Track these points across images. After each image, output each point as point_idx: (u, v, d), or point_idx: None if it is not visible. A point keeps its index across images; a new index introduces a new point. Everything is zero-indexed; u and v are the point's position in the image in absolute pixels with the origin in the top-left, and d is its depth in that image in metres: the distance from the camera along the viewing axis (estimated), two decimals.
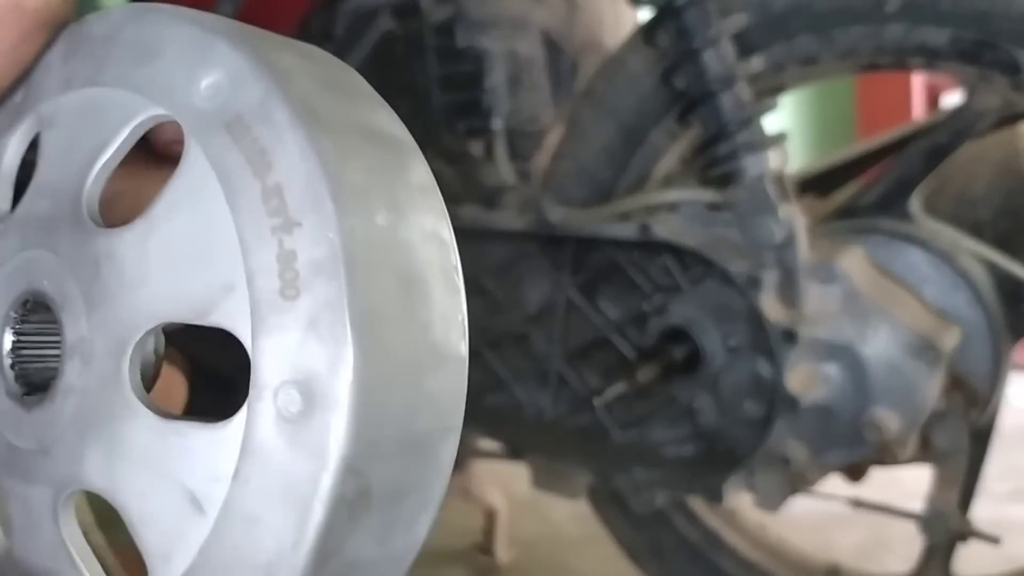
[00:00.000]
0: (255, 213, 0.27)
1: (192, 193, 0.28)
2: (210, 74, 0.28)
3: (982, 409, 1.13)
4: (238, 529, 0.26)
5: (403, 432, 0.27)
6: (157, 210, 0.29)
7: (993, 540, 1.11)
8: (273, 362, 0.26)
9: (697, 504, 1.31)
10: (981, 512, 1.15)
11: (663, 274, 1.15)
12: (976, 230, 1.13)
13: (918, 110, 3.20)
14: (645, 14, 1.18)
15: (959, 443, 1.10)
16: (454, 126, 1.33)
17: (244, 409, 0.27)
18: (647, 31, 1.15)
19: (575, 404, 1.22)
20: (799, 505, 1.18)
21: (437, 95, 1.33)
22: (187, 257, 0.28)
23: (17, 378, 0.32)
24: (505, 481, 1.69)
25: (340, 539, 0.26)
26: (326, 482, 0.25)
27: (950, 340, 1.07)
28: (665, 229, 1.10)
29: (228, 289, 0.27)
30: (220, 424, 0.27)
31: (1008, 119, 1.11)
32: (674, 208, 1.13)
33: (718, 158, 1.08)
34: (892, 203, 1.12)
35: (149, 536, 0.28)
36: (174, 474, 0.28)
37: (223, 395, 0.33)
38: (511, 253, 1.24)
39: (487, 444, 1.37)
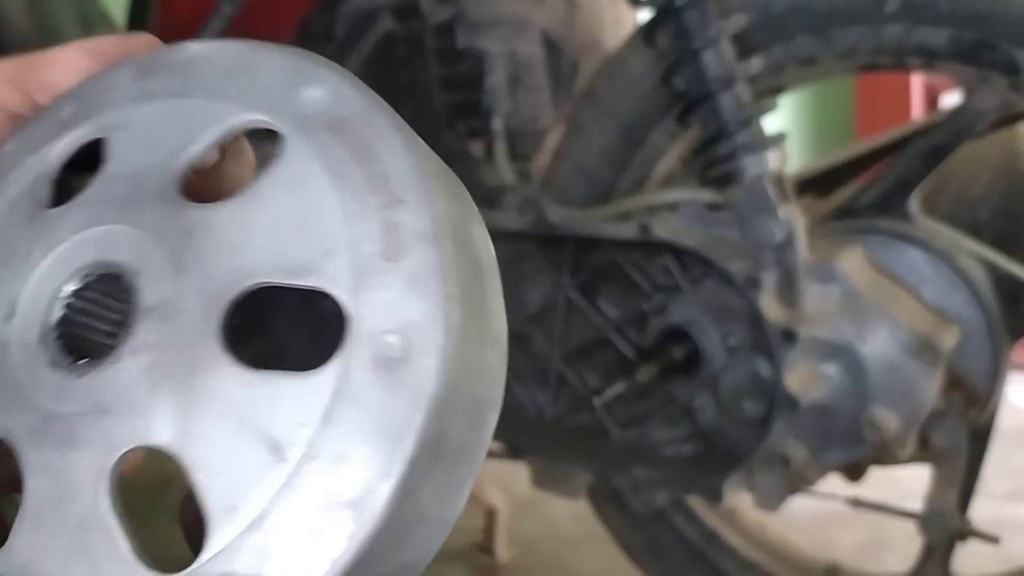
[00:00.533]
0: (360, 192, 0.31)
1: (294, 177, 0.32)
2: (311, 88, 0.33)
3: (981, 409, 1.13)
4: (323, 469, 0.28)
5: (471, 393, 0.30)
6: (255, 190, 0.33)
7: (992, 540, 1.12)
8: (374, 313, 0.29)
9: (697, 504, 1.31)
10: (980, 512, 1.15)
11: (663, 274, 1.16)
12: (975, 230, 1.14)
13: (917, 110, 3.20)
14: (645, 15, 1.18)
15: (958, 443, 1.11)
16: (454, 126, 1.33)
17: (335, 359, 0.29)
18: (647, 31, 1.15)
19: (575, 404, 1.22)
20: (799, 505, 1.18)
21: (437, 96, 1.34)
22: (286, 228, 0.31)
23: (63, 348, 0.33)
24: (505, 480, 1.69)
25: (419, 481, 0.28)
26: (418, 419, 0.28)
27: (949, 340, 1.07)
28: (665, 229, 1.11)
29: (328, 255, 0.30)
30: (309, 373, 0.29)
31: (1007, 119, 1.11)
32: (674, 208, 1.13)
33: (718, 158, 1.08)
34: (891, 203, 1.12)
35: (218, 486, 0.29)
36: (257, 422, 0.29)
37: None
38: (511, 253, 1.24)
39: None
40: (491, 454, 1.37)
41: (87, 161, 0.37)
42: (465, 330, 0.29)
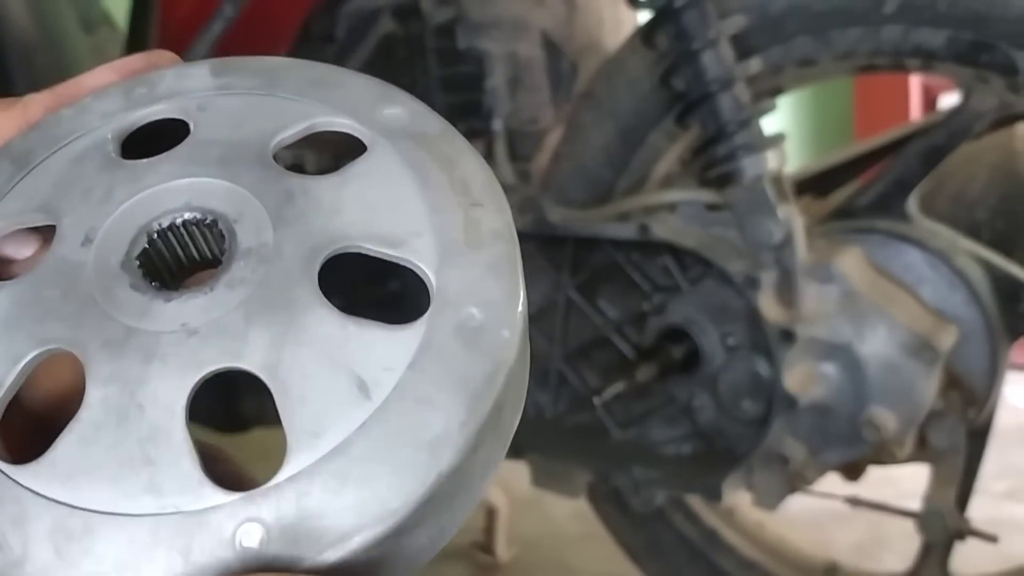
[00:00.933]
0: (443, 191, 0.35)
1: (381, 171, 0.35)
2: (392, 107, 0.37)
3: (979, 408, 1.14)
4: (407, 409, 0.31)
5: (524, 372, 0.35)
6: (349, 172, 0.35)
7: (991, 539, 1.12)
8: (458, 288, 0.33)
9: (696, 502, 1.31)
10: (978, 511, 1.15)
11: (662, 274, 1.16)
12: (973, 230, 1.14)
13: (915, 111, 3.20)
14: (644, 16, 1.19)
15: (956, 442, 1.11)
16: (455, 127, 1.34)
17: (423, 319, 0.32)
18: (646, 33, 1.15)
19: (575, 403, 1.22)
20: (797, 503, 1.19)
21: (438, 96, 1.34)
22: (378, 208, 0.35)
23: (146, 275, 0.35)
24: (505, 480, 1.70)
25: (482, 440, 0.31)
26: (498, 379, 0.31)
27: (947, 340, 1.07)
28: (664, 229, 1.11)
29: (416, 234, 0.34)
30: (398, 327, 0.32)
31: (1005, 120, 1.11)
32: (673, 208, 1.14)
33: (717, 159, 1.08)
34: (890, 203, 1.12)
35: (303, 413, 0.31)
36: (347, 361, 0.31)
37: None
38: None
39: None
40: None
41: (155, 144, 0.38)
42: (525, 314, 0.34)
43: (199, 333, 0.32)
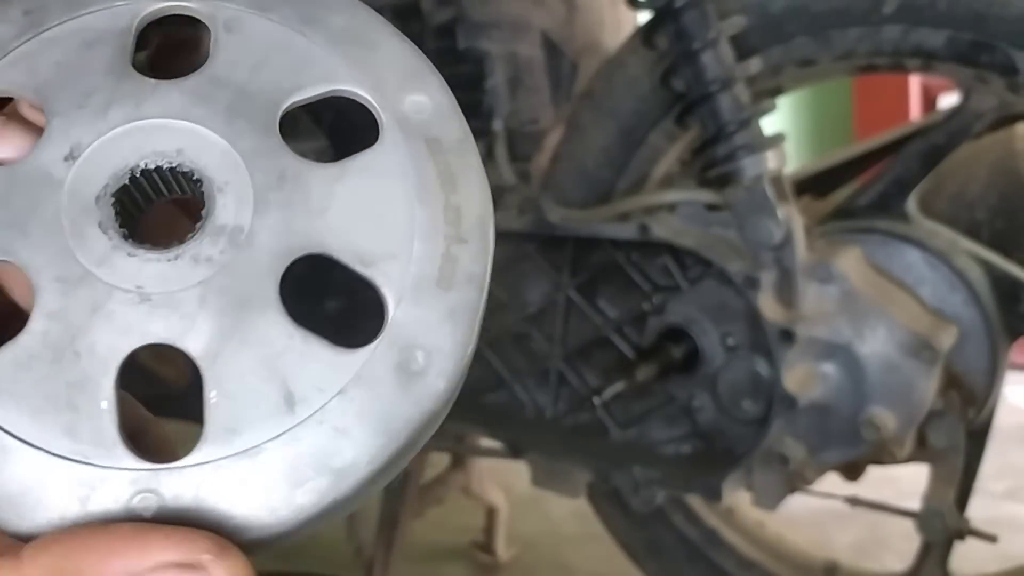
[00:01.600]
0: (435, 218, 0.34)
1: (383, 171, 0.35)
2: (418, 94, 0.36)
3: (979, 408, 1.14)
4: (324, 434, 0.31)
5: (444, 413, 0.35)
6: (349, 166, 0.34)
7: (990, 538, 1.12)
8: (412, 327, 0.33)
9: (696, 502, 1.32)
10: (978, 510, 1.15)
11: (662, 274, 1.16)
12: (973, 230, 1.14)
13: (915, 111, 3.20)
14: (644, 16, 1.19)
15: (956, 442, 1.11)
16: None
17: (367, 348, 0.32)
18: (646, 33, 1.15)
19: (575, 403, 1.22)
20: (797, 503, 1.19)
21: None
22: (365, 217, 0.34)
23: (116, 216, 0.34)
24: (505, 479, 1.70)
25: (390, 469, 0.32)
26: (419, 426, 0.32)
27: (947, 339, 1.07)
28: (664, 229, 1.11)
29: (391, 257, 0.33)
30: (342, 350, 0.32)
31: (1005, 120, 1.11)
32: (673, 208, 1.14)
33: (717, 159, 1.08)
34: (889, 203, 1.12)
35: (227, 409, 0.32)
36: (283, 372, 0.32)
37: None
38: (511, 253, 1.24)
39: (487, 442, 1.37)
40: (491, 452, 1.37)
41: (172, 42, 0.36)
42: (469, 360, 0.34)
43: (151, 301, 0.32)
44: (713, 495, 1.10)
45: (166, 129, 0.35)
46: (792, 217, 1.06)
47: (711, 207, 1.11)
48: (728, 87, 1.07)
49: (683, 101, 1.12)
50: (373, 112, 0.36)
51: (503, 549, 1.72)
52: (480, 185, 0.35)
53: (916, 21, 1.05)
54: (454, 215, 0.34)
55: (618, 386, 1.11)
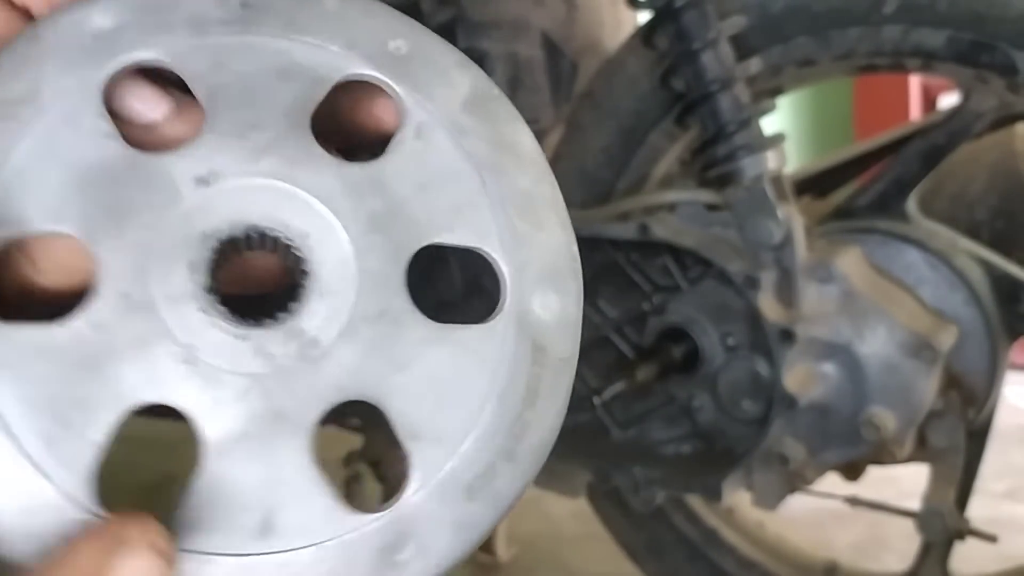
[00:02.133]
0: (500, 427, 0.34)
1: (484, 357, 0.34)
2: (553, 294, 0.38)
3: (979, 408, 1.14)
4: None
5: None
6: (454, 334, 0.33)
7: (990, 538, 1.12)
8: (418, 518, 0.32)
9: (696, 502, 1.32)
10: (978, 510, 1.15)
11: (662, 274, 1.16)
12: (972, 230, 1.14)
13: (915, 111, 3.20)
14: (644, 16, 1.19)
15: (956, 442, 1.11)
16: None
17: (368, 516, 0.32)
18: (646, 33, 1.15)
19: (574, 403, 1.21)
20: (797, 503, 1.19)
21: None
22: (438, 391, 0.33)
23: (210, 262, 0.32)
24: None
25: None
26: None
27: (947, 339, 1.07)
28: (664, 229, 1.11)
29: (437, 442, 0.33)
30: (344, 508, 0.32)
31: (1005, 120, 1.11)
32: (673, 208, 1.14)
33: (717, 159, 1.08)
34: (889, 204, 1.12)
35: (206, 503, 0.31)
36: (275, 499, 0.31)
37: None
38: None
39: None
40: None
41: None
42: None
43: (195, 366, 0.31)
44: (713, 495, 1.10)
45: (306, 206, 0.32)
46: (792, 217, 1.06)
47: (711, 207, 1.11)
48: (728, 87, 1.07)
49: (683, 101, 1.12)
50: (500, 286, 0.34)
51: (503, 549, 1.72)
52: (557, 413, 0.36)
53: (916, 21, 1.05)
54: (519, 431, 0.33)
55: (618, 386, 1.11)
